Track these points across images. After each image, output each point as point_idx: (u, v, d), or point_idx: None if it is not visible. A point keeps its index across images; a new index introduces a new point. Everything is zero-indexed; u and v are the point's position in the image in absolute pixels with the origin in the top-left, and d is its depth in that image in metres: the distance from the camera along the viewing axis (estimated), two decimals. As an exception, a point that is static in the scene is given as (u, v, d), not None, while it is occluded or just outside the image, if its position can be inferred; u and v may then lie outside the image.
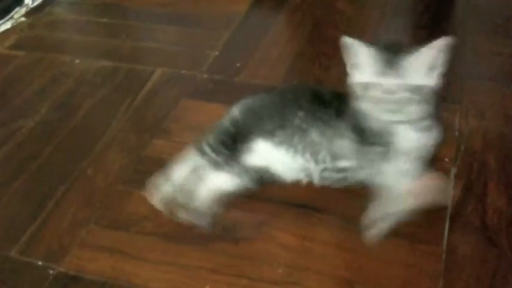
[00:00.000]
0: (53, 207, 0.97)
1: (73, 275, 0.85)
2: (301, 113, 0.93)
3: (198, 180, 0.92)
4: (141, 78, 1.28)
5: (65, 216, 0.95)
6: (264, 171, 0.94)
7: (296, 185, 0.95)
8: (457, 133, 1.04)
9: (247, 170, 0.93)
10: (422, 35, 1.33)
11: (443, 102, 1.09)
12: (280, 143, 0.92)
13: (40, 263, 0.87)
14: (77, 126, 1.16)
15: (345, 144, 0.91)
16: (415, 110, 0.82)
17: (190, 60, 1.32)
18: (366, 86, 0.83)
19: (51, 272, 0.86)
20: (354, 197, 0.92)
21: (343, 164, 0.91)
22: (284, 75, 1.25)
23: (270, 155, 0.93)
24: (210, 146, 0.93)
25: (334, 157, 0.91)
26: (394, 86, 0.81)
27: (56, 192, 1.00)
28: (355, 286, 0.80)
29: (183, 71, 1.29)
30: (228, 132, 0.93)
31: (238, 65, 1.29)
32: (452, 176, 0.95)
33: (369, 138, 0.87)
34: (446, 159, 0.98)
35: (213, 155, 0.92)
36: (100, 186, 1.00)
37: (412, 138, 0.85)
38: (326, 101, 0.94)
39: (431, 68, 0.82)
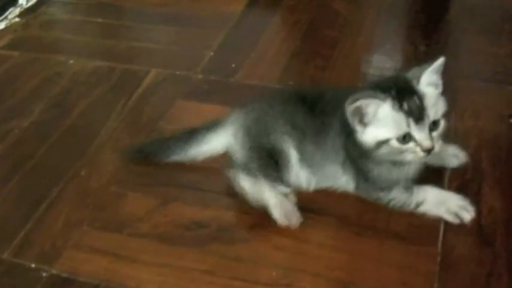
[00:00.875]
0: (46, 208, 0.96)
1: (66, 277, 0.84)
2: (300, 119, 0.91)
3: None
4: (136, 78, 1.27)
5: (58, 217, 0.94)
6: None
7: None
8: (451, 134, 1.04)
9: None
10: (418, 35, 1.33)
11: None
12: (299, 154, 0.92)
13: (33, 265, 0.87)
14: (71, 127, 1.15)
15: (333, 172, 0.91)
16: (440, 142, 0.82)
17: (186, 60, 1.31)
18: (395, 141, 0.80)
19: (44, 274, 0.85)
20: (350, 198, 0.92)
21: (326, 184, 0.93)
22: (280, 75, 1.25)
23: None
24: (257, 169, 0.90)
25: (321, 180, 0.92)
26: (427, 137, 0.79)
27: (49, 193, 0.99)
28: (350, 287, 0.79)
29: (178, 72, 1.28)
30: (262, 154, 0.91)
31: (233, 65, 1.28)
32: (447, 177, 0.95)
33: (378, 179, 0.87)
34: (442, 160, 0.98)
35: (270, 180, 0.89)
36: (94, 187, 1.00)
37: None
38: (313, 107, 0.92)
39: (439, 94, 0.82)
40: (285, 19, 1.48)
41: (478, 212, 0.88)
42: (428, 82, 0.81)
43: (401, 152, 0.81)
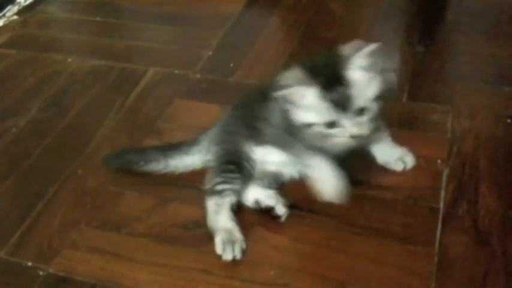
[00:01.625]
0: (43, 207, 0.96)
1: (63, 276, 0.84)
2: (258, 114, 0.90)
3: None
4: (133, 77, 1.27)
5: (55, 216, 0.94)
6: (274, 172, 0.93)
7: (288, 186, 0.95)
8: (449, 134, 1.04)
9: (264, 176, 0.92)
10: (416, 36, 1.33)
11: (435, 103, 1.11)
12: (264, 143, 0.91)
13: (30, 264, 0.86)
14: (68, 126, 1.15)
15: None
16: (370, 126, 0.81)
17: (184, 59, 1.31)
18: (321, 126, 0.79)
19: (40, 273, 0.85)
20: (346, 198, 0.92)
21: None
22: (277, 75, 1.25)
23: (266, 156, 0.93)
24: (220, 183, 0.88)
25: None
26: (353, 124, 0.78)
27: (46, 193, 0.99)
28: (347, 287, 0.80)
29: (176, 71, 1.28)
30: (223, 159, 0.91)
31: (231, 65, 1.28)
32: (444, 177, 0.95)
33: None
34: (439, 161, 0.98)
35: (229, 186, 0.88)
36: (91, 186, 1.00)
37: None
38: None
39: (372, 77, 0.80)
40: (283, 19, 1.48)
41: (475, 212, 0.88)
42: (359, 66, 0.79)
43: (328, 135, 0.80)
